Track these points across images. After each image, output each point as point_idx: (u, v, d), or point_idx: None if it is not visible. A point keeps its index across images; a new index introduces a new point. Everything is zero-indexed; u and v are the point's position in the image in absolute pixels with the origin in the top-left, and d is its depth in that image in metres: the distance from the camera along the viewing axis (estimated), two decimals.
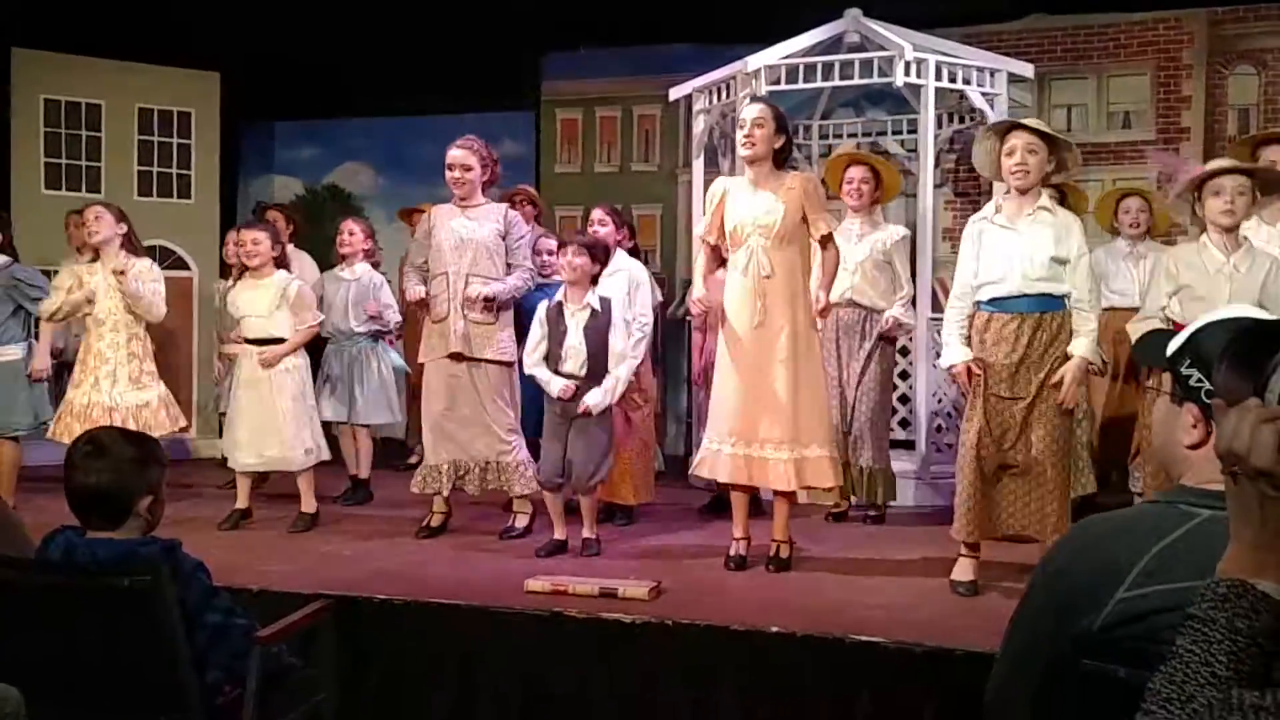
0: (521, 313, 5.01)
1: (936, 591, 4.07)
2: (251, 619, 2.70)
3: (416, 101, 7.86)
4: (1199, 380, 1.45)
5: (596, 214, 5.54)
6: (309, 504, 5.18)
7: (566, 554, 4.61)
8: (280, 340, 5.11)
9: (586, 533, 4.67)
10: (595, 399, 4.52)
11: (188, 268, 8.19)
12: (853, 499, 5.41)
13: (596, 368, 4.56)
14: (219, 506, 5.36)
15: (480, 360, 4.88)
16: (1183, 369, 1.49)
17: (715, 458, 4.34)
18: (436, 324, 4.94)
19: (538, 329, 4.65)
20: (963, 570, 4.10)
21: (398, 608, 3.81)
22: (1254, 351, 1.06)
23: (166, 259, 8.19)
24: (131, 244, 5.38)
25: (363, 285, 5.90)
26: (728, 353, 4.37)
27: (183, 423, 5.38)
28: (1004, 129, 4.07)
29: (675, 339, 7.35)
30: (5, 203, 7.01)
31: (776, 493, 4.34)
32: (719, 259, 4.49)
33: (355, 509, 5.71)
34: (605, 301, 4.62)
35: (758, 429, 4.25)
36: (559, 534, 4.67)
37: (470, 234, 4.88)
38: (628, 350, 4.68)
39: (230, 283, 5.66)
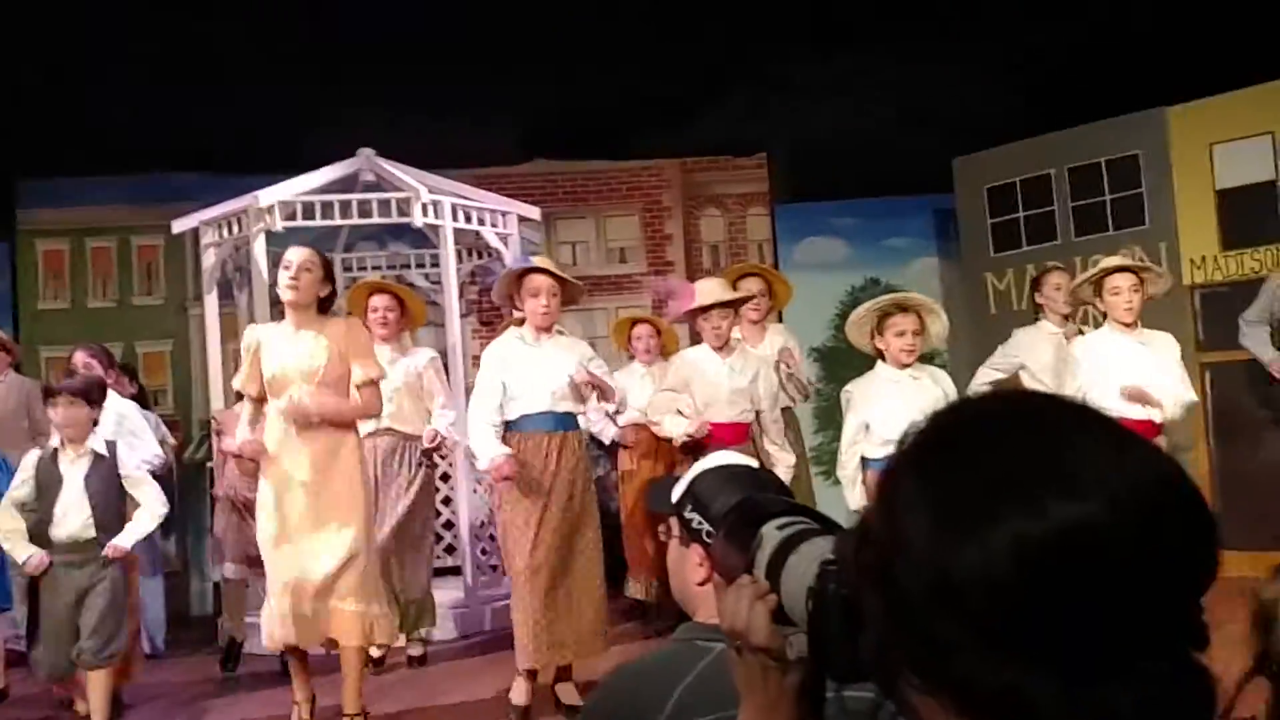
0: None
1: None
2: None
3: None
4: (700, 523, 1.55)
5: (80, 357, 5.07)
6: None
7: None
8: None
9: None
10: (123, 541, 4.07)
11: None
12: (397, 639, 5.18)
13: (107, 521, 4.08)
14: None
15: None
16: (685, 513, 1.58)
17: (280, 621, 3.92)
18: None
19: (21, 481, 4.08)
20: (518, 692, 4.12)
21: None
22: (743, 526, 1.06)
23: None
24: None
25: None
26: (276, 506, 3.99)
27: None
28: (522, 271, 4.32)
29: (195, 486, 6.76)
30: None
31: (344, 651, 3.98)
32: (262, 408, 4.14)
33: None
34: (111, 445, 4.18)
35: (321, 581, 3.92)
36: None
37: None
38: (154, 496, 4.24)
39: None
